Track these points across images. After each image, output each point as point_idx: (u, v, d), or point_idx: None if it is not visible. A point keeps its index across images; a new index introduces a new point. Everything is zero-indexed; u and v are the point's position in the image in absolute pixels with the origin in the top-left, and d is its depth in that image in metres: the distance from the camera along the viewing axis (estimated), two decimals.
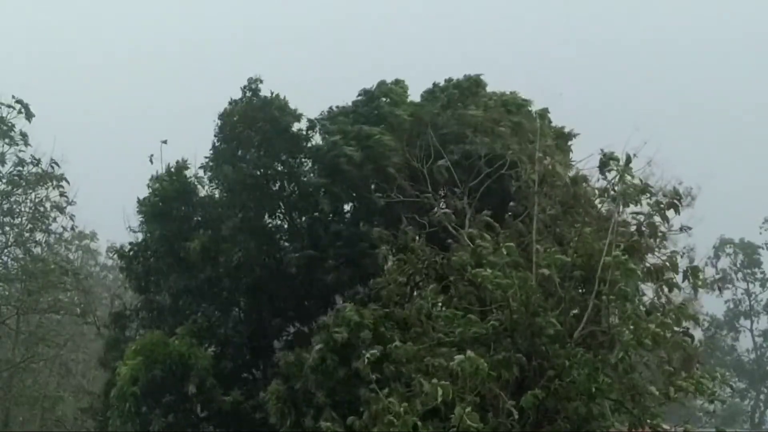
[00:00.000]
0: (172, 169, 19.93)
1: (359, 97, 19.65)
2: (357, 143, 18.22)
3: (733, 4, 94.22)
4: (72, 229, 27.51)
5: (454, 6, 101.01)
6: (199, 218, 19.75)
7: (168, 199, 19.65)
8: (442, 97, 19.47)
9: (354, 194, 18.81)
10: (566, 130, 19.23)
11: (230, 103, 19.43)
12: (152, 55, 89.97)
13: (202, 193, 20.00)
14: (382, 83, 19.64)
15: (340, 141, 18.21)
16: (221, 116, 19.41)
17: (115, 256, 21.62)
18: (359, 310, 15.38)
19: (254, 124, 18.96)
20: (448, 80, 19.95)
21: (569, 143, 19.04)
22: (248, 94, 19.31)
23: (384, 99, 19.32)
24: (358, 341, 15.03)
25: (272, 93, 19.28)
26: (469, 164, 17.07)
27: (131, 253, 20.23)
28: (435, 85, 20.07)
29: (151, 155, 19.98)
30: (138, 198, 19.95)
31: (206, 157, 19.71)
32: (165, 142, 20.28)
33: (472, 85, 19.57)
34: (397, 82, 19.80)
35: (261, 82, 19.37)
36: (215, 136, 19.53)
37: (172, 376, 17.39)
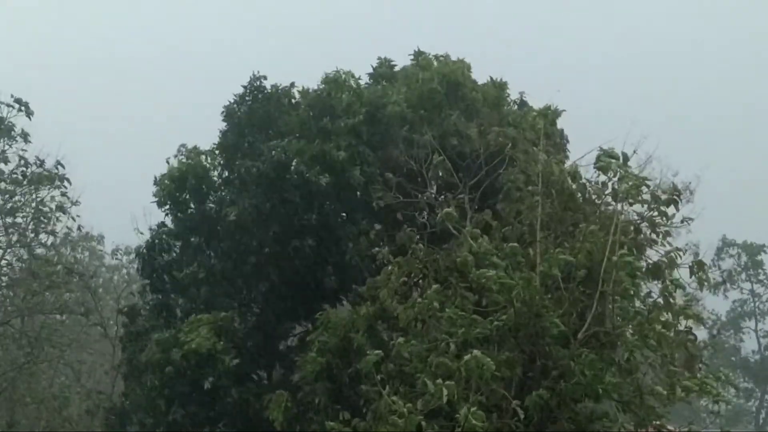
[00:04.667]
0: (188, 153, 19.54)
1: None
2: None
3: (734, 4, 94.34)
4: (78, 229, 27.59)
5: (453, 6, 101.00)
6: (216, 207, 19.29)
7: (184, 182, 19.23)
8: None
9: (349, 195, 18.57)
10: (564, 128, 19.17)
11: (235, 102, 19.28)
12: (154, 59, 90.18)
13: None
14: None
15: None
16: (225, 114, 19.30)
17: (122, 255, 21.31)
18: (354, 309, 15.39)
19: (258, 121, 18.85)
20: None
21: (566, 142, 18.96)
22: (252, 91, 19.15)
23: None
24: (352, 344, 15.11)
25: (277, 88, 19.19)
26: (467, 162, 17.04)
27: (155, 240, 19.68)
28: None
29: (168, 158, 19.87)
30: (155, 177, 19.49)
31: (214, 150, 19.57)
32: (183, 146, 20.15)
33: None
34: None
35: (265, 78, 19.24)
36: (221, 132, 19.40)
37: (190, 370, 17.38)
